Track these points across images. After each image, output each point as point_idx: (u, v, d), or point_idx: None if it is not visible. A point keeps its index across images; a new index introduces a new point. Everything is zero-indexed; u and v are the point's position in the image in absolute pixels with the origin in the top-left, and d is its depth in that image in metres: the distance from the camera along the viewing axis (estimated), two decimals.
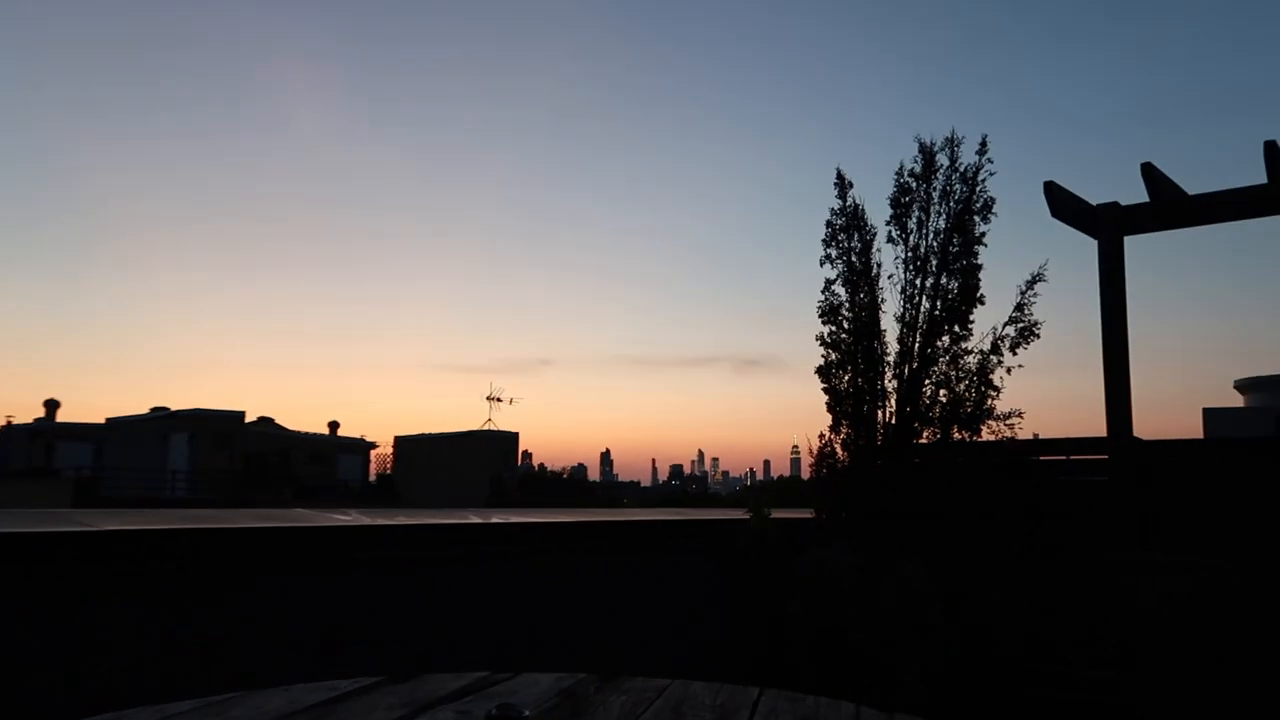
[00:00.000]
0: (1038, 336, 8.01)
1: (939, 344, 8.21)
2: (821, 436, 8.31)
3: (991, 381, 8.05)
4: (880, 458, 8.21)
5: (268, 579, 4.00)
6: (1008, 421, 7.92)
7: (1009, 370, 8.03)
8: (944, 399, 8.15)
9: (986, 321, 8.69)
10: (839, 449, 8.30)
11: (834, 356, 8.50)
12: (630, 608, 7.20)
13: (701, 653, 7.45)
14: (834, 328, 8.49)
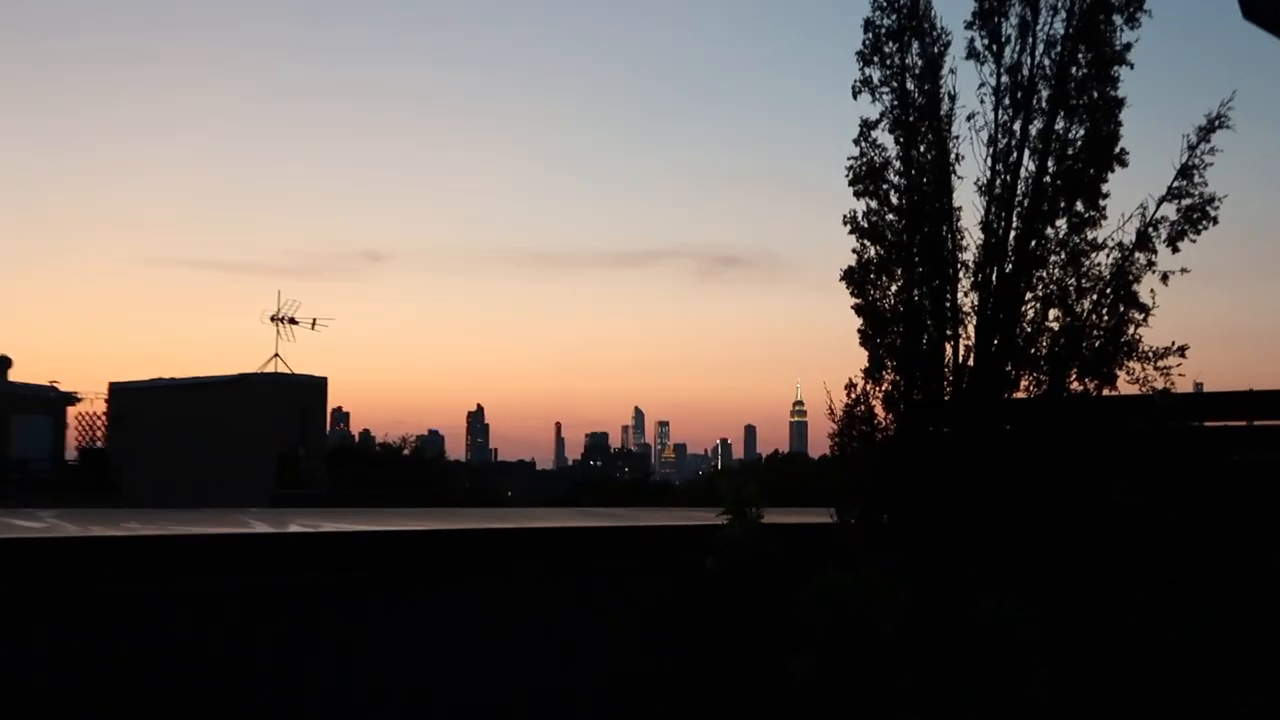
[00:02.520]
0: (1215, 222, 8.11)
1: (1050, 233, 8.30)
2: (850, 387, 8.38)
3: (1136, 296, 8.18)
4: (949, 422, 8.31)
5: None
6: (1162, 363, 8.04)
7: (1165, 278, 8.15)
8: (1056, 324, 8.27)
9: (1129, 196, 8.80)
10: (878, 407, 8.39)
11: (874, 252, 8.50)
12: (517, 677, 7.36)
13: None
14: (874, 203, 8.51)
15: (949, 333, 8.41)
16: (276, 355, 45.37)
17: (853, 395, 8.46)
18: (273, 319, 45.00)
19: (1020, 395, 8.30)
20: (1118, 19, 8.32)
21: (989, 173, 8.41)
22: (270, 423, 42.13)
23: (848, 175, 8.56)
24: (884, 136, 8.58)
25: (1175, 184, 8.27)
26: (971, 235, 8.47)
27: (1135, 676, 7.61)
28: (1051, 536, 7.88)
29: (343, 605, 6.71)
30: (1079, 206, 8.34)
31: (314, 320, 47.02)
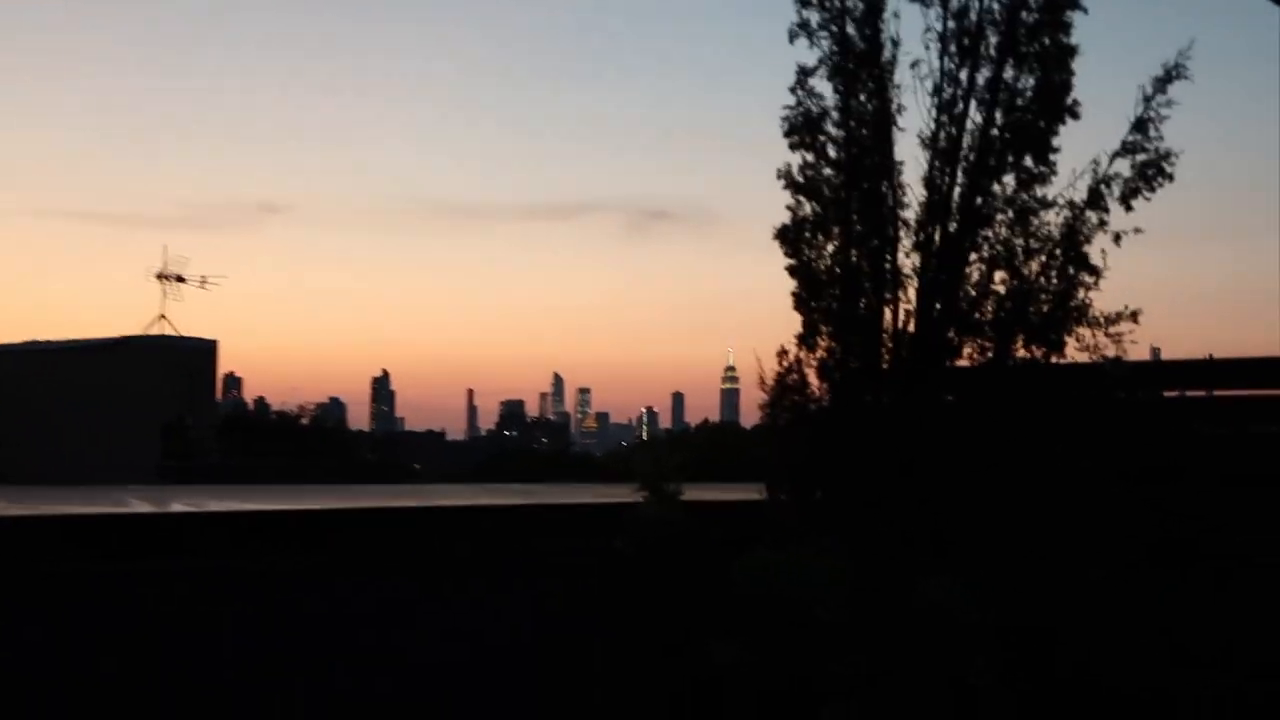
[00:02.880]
0: (1171, 179, 8.18)
1: (997, 189, 8.33)
2: (782, 354, 8.42)
3: (1087, 258, 8.23)
4: (888, 392, 8.34)
5: None
6: (1114, 329, 8.10)
7: (1118, 238, 8.21)
8: (1003, 288, 8.32)
9: (1080, 152, 8.85)
10: (812, 376, 8.42)
11: (810, 209, 8.52)
12: (425, 669, 7.35)
13: None
14: (811, 156, 8.52)
15: (888, 296, 8.41)
16: (163, 316, 44.87)
17: (785, 363, 8.45)
18: (159, 276, 44.55)
19: (964, 363, 8.35)
20: None
21: (933, 124, 8.42)
22: (156, 389, 41.76)
23: (783, 126, 8.53)
24: (822, 85, 8.57)
25: (1130, 138, 8.33)
26: (914, 192, 8.49)
27: (1095, 661, 7.69)
28: (999, 514, 7.94)
29: (235, 589, 6.66)
30: (1028, 161, 8.36)
31: (203, 278, 46.49)
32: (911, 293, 8.43)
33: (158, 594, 6.53)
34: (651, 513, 7.86)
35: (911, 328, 8.38)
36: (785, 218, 8.54)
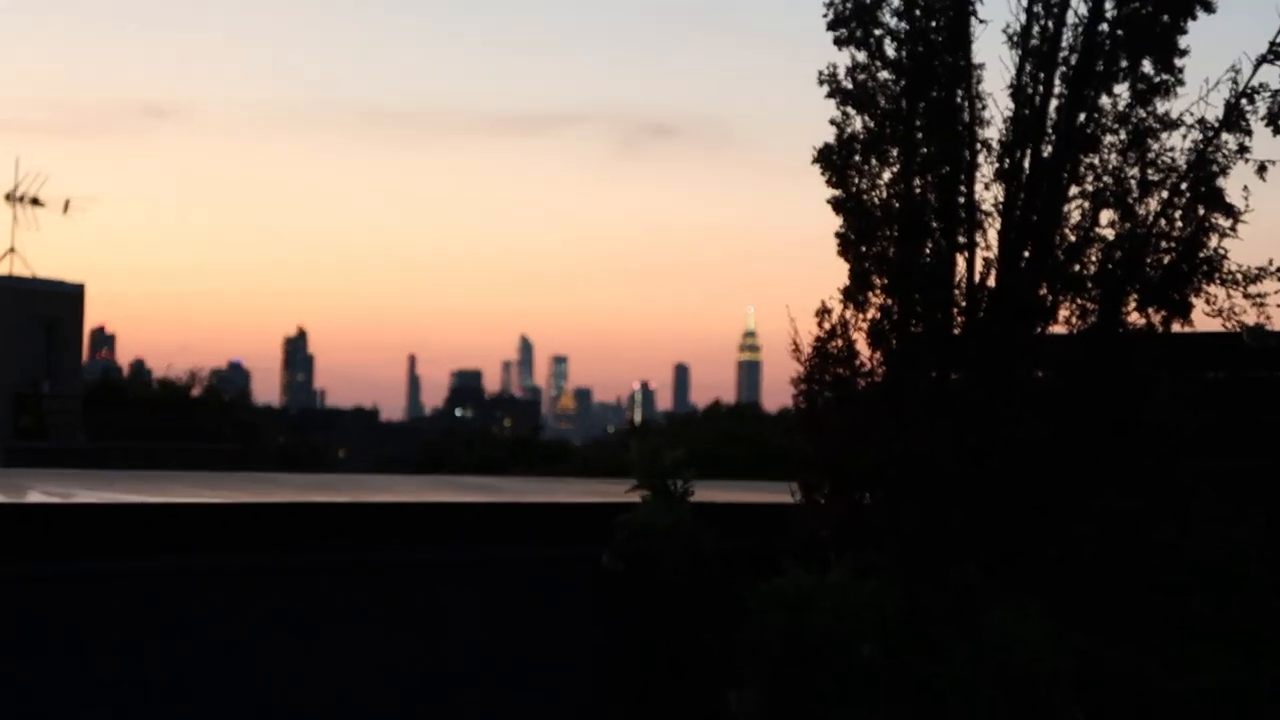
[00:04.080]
0: None
1: (1106, 103, 8.41)
2: (822, 313, 8.52)
3: (1221, 195, 8.29)
4: (959, 364, 8.44)
5: None
6: (1253, 289, 8.13)
7: (1263, 170, 8.24)
8: (1111, 232, 8.42)
9: (1215, 56, 8.83)
10: (862, 343, 8.53)
11: (860, 124, 8.64)
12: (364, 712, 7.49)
13: None
14: (862, 55, 8.62)
15: (962, 240, 8.41)
16: (12, 250, 44.83)
17: (826, 325, 8.46)
18: (7, 198, 44.40)
19: (1059, 329, 8.36)
20: None
21: (1024, 16, 8.42)
22: (2, 347, 41.66)
23: (826, 15, 8.53)
24: None
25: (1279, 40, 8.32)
26: (997, 104, 8.46)
27: None
28: (1100, 528, 7.95)
29: (104, 599, 6.68)
30: (1146, 67, 8.35)
31: (67, 201, 46.41)
32: (992, 236, 8.43)
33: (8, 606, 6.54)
34: (652, 517, 7.86)
35: (991, 281, 8.39)
36: (828, 135, 8.51)
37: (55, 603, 6.65)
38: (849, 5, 8.56)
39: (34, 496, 7.88)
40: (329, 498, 8.64)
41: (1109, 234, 8.41)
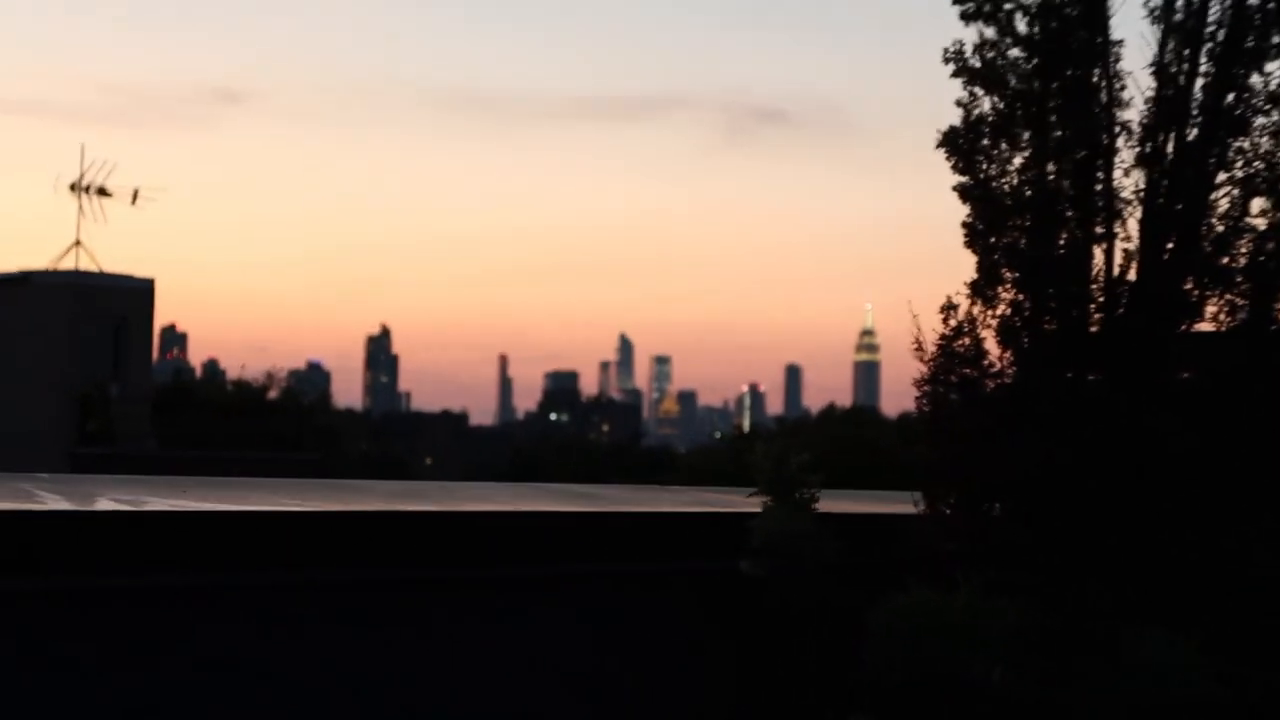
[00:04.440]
0: None
1: (1257, 82, 8.38)
2: (948, 309, 8.59)
3: None
4: (1098, 365, 8.44)
5: None
6: None
7: None
8: (1264, 221, 8.40)
9: None
10: (990, 341, 8.57)
11: (989, 105, 8.69)
12: None
13: None
14: (991, 31, 8.64)
15: (1100, 230, 8.41)
16: (78, 243, 45.05)
17: (952, 323, 8.51)
18: (73, 188, 44.58)
19: (1206, 326, 8.33)
20: None
21: None
22: (68, 346, 41.97)
23: None
24: None
25: None
26: (1138, 83, 8.44)
27: None
28: (1253, 547, 7.92)
29: (157, 620, 6.78)
30: None
31: (135, 191, 46.69)
32: (1132, 225, 8.43)
33: (79, 621, 6.60)
34: (780, 523, 7.89)
35: (1131, 274, 8.38)
36: (954, 118, 8.55)
37: (122, 616, 6.71)
38: None
39: (102, 504, 7.93)
40: (419, 506, 8.70)
41: (1260, 224, 8.36)
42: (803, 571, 7.78)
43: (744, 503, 8.16)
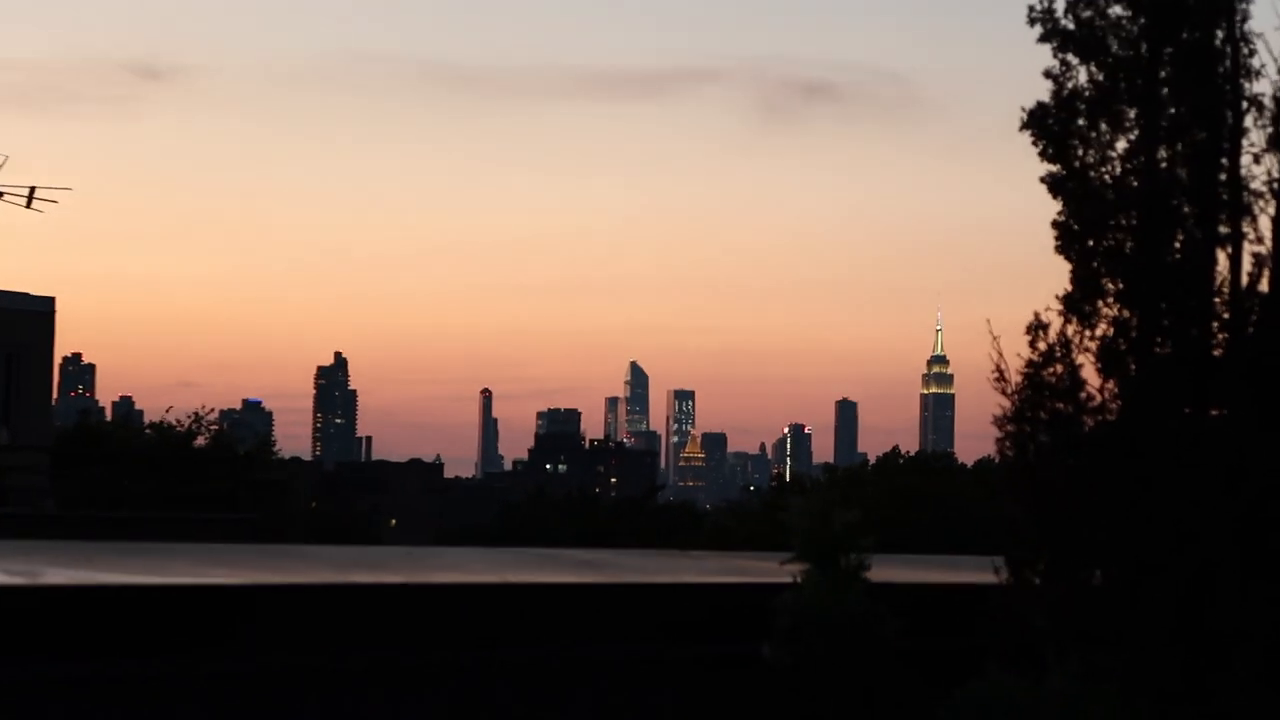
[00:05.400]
0: None
1: None
2: (1037, 330, 8.67)
3: None
4: (1227, 397, 8.43)
5: None
6: None
7: None
8: None
9: None
10: (1090, 368, 8.63)
11: (1087, 77, 8.79)
12: None
13: None
14: None
15: (1224, 230, 8.42)
16: None
17: (1041, 345, 8.54)
18: None
19: None
20: None
21: None
22: None
23: None
24: None
25: None
26: (1270, 49, 8.48)
27: None
28: None
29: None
30: None
31: (31, 191, 46.87)
32: (1264, 224, 8.44)
33: None
34: (817, 601, 7.86)
35: (1264, 284, 8.39)
36: (1042, 92, 8.57)
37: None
38: None
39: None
40: (379, 578, 8.70)
41: None
42: (849, 658, 7.74)
43: (776, 571, 8.12)
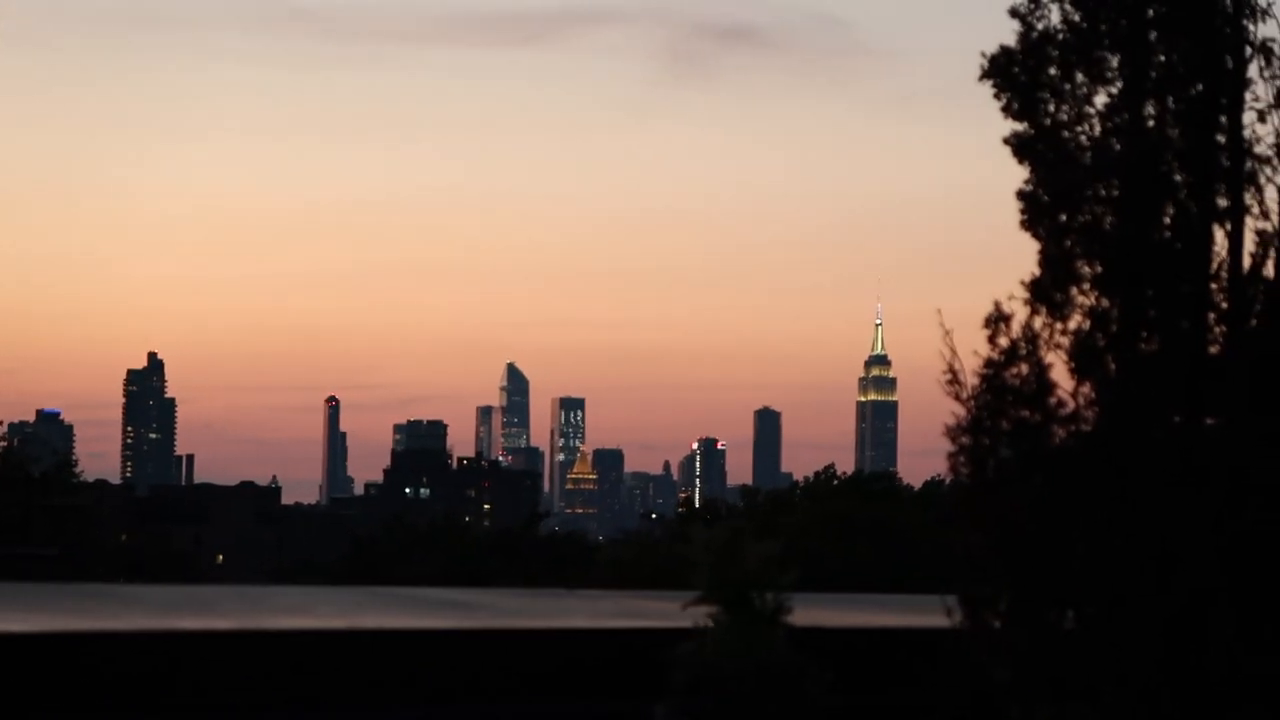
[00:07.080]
0: None
1: None
2: (998, 322, 8.76)
3: None
4: (1222, 400, 8.46)
5: None
6: None
7: None
8: None
9: None
10: (1062, 368, 8.73)
11: (1059, 17, 8.80)
12: None
13: None
14: None
15: (1224, 202, 8.49)
16: None
17: (1003, 341, 8.63)
18: None
19: None
20: None
21: None
22: None
23: None
24: None
25: None
26: None
27: None
28: None
29: None
30: None
31: None
32: (1272, 195, 8.50)
33: None
34: (727, 650, 7.89)
35: (1271, 268, 8.46)
36: (1007, 35, 8.66)
37: None
38: None
39: None
40: (206, 623, 8.71)
41: None
42: (770, 714, 7.78)
43: (679, 614, 8.13)
